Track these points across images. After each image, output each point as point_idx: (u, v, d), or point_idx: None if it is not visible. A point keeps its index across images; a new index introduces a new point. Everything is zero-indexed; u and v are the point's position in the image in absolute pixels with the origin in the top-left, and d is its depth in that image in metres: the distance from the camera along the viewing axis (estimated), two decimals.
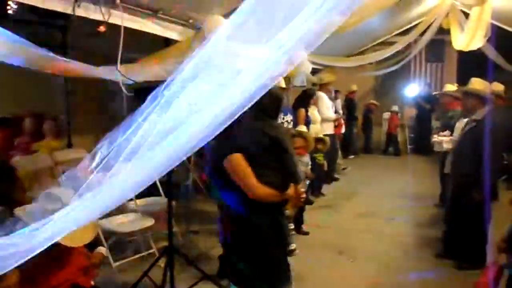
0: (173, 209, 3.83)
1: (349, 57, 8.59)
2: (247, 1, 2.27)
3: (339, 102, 9.69)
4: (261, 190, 2.37)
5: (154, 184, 4.75)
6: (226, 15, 3.37)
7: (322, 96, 7.38)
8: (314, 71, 7.91)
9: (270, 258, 2.55)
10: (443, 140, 5.02)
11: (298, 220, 5.31)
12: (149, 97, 1.94)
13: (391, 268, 4.42)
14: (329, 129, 7.34)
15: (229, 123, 1.75)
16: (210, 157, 2.62)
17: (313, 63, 6.63)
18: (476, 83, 4.38)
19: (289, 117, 5.43)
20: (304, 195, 2.71)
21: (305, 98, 6.50)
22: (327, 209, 6.47)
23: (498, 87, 5.79)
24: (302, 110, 6.22)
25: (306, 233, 5.30)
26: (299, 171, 2.65)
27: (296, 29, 2.23)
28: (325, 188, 7.33)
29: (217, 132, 1.79)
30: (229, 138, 2.29)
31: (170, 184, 3.87)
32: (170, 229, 3.72)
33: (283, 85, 5.34)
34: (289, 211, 2.80)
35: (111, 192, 1.78)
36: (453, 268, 4.30)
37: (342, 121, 8.45)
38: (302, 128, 5.34)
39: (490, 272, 2.99)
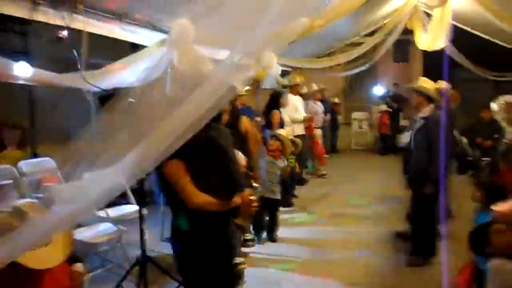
0: (144, 217, 3.74)
1: (318, 58, 8.67)
2: (214, 5, 2.25)
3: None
4: (199, 199, 2.26)
5: (126, 192, 4.65)
6: (194, 19, 3.32)
7: (290, 97, 7.42)
8: (283, 73, 7.94)
9: (210, 272, 2.43)
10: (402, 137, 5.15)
11: (273, 226, 5.27)
12: (110, 103, 1.88)
13: (365, 268, 4.45)
14: (299, 130, 7.37)
15: (200, 126, 1.71)
16: None
17: (282, 65, 6.66)
18: (424, 81, 4.54)
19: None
20: (255, 204, 2.57)
21: (275, 100, 6.49)
22: (300, 211, 6.47)
23: (443, 84, 5.97)
24: (276, 112, 6.21)
25: (274, 240, 5.19)
26: (241, 179, 2.54)
27: (262, 32, 2.22)
28: (297, 190, 7.33)
29: (189, 136, 1.75)
30: None
31: (141, 191, 3.79)
32: (142, 237, 3.64)
33: (242, 92, 5.30)
34: (239, 221, 2.66)
35: (81, 202, 1.72)
36: (420, 264, 4.38)
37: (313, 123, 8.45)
38: (281, 131, 5.30)
39: (466, 271, 3.04)
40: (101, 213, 4.21)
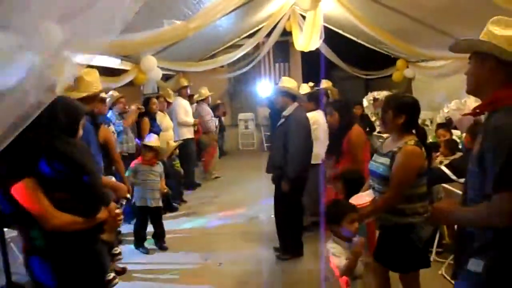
0: (7, 238, 3.35)
1: (201, 61, 8.62)
2: (81, 6, 2.07)
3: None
4: (59, 220, 2.05)
5: None
6: (61, 22, 3.03)
7: (180, 101, 7.29)
8: (166, 77, 7.77)
9: None
10: None
11: (160, 234, 5.13)
12: None
13: (258, 266, 4.51)
14: (188, 133, 7.27)
15: (10, 139, 1.50)
16: None
17: (164, 68, 6.50)
18: (286, 81, 4.67)
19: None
20: (121, 217, 2.48)
21: (145, 106, 6.26)
22: (190, 216, 6.38)
23: (328, 83, 6.37)
24: (146, 119, 6.03)
25: (165, 249, 5.07)
26: (106, 192, 2.42)
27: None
28: (187, 195, 7.23)
29: (8, 141, 1.52)
30: (17, 159, 1.96)
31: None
32: (6, 262, 3.21)
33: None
34: (105, 236, 2.47)
35: None
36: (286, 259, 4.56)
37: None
38: (153, 138, 4.99)
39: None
40: None
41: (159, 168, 4.94)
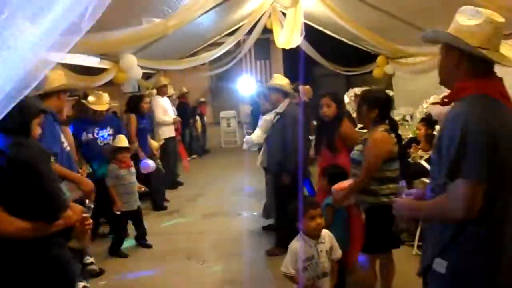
0: None
1: (182, 59, 8.54)
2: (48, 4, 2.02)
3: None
4: (9, 226, 1.88)
5: None
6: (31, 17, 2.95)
7: (158, 100, 7.21)
8: (147, 76, 7.68)
9: None
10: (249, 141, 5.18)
11: (143, 234, 5.07)
12: None
13: (240, 263, 4.50)
14: (169, 132, 7.19)
15: None
16: None
17: (143, 67, 6.42)
18: (278, 78, 4.78)
19: (107, 131, 4.98)
20: (89, 221, 2.25)
21: (136, 103, 6.16)
22: (172, 214, 6.35)
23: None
24: (133, 116, 5.94)
25: (150, 246, 5.02)
26: (62, 196, 2.12)
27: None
28: (169, 194, 7.15)
29: None
30: None
31: None
32: None
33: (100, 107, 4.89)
34: (73, 244, 2.27)
35: None
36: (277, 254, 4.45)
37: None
38: (120, 139, 4.78)
39: None
40: None
41: (133, 168, 4.85)
